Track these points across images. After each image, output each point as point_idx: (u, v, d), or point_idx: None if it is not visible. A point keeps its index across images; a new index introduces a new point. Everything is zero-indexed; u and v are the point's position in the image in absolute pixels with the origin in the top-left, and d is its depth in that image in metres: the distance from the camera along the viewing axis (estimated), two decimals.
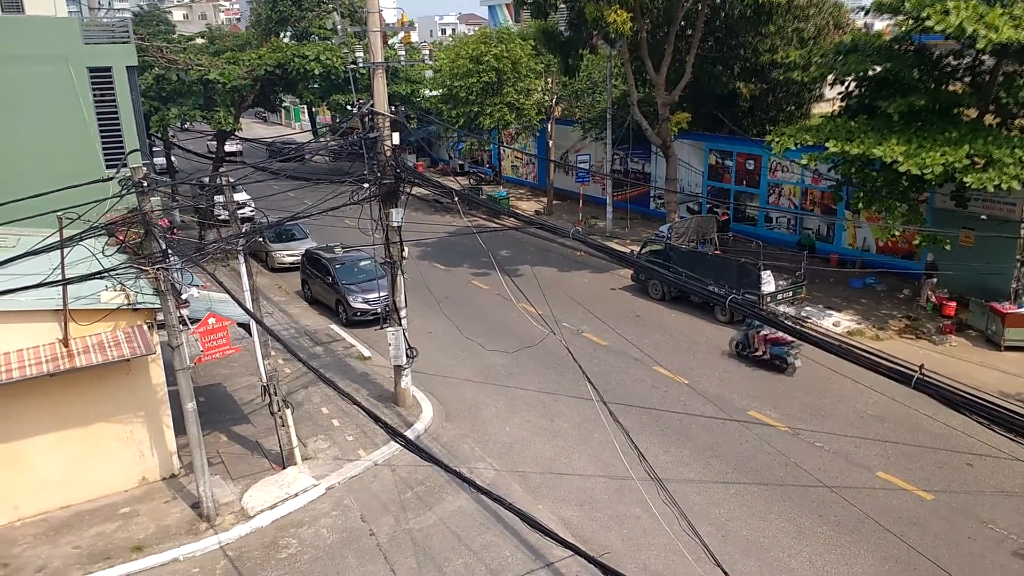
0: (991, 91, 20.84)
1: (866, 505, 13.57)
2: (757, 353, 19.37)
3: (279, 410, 14.91)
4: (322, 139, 42.27)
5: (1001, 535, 12.75)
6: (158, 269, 12.55)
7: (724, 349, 20.30)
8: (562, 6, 27.65)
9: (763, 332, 19.20)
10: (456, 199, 14.22)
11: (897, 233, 21.42)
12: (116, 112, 18.35)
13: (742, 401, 17.58)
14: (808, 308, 22.86)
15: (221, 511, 13.81)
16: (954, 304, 21.70)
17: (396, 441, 13.41)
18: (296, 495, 14.34)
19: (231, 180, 15.72)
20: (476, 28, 63.24)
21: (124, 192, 12.45)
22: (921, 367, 6.86)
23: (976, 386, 7.25)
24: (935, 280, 22.31)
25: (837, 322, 21.82)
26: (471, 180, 44.00)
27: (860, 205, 21.29)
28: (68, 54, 17.61)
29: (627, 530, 13.23)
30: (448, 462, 12.76)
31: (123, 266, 12.96)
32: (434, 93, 40.30)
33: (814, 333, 7.83)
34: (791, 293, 22.41)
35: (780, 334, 18.82)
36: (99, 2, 31.32)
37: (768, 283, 21.60)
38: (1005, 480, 14.27)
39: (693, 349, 20.60)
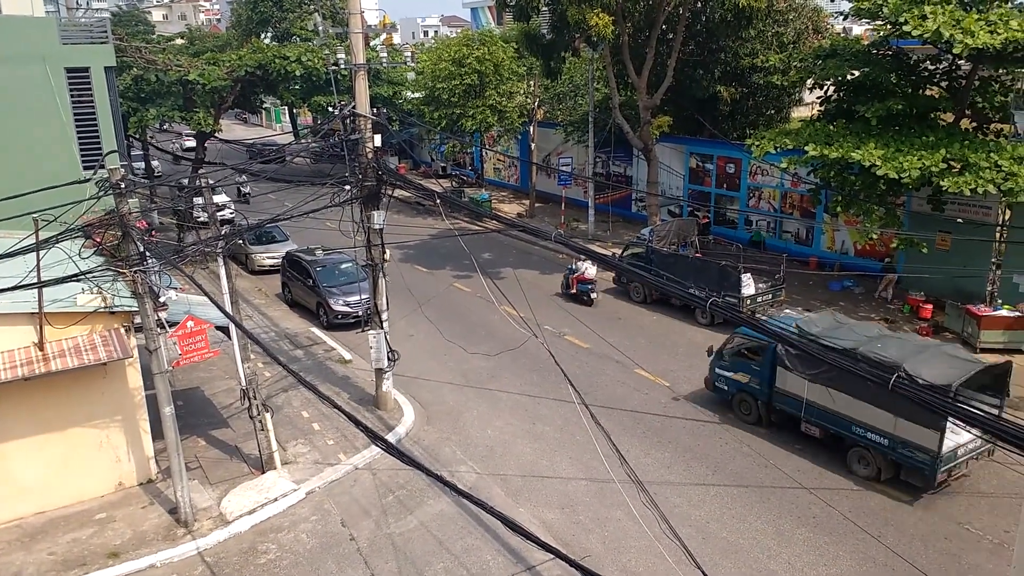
0: (967, 96, 21.15)
1: (844, 507, 13.68)
2: (571, 291, 24.12)
3: (258, 414, 14.78)
4: (303, 140, 42.09)
5: (976, 535, 12.90)
6: (135, 272, 12.40)
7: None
8: (544, 9, 27.71)
9: (574, 274, 23.99)
10: (438, 201, 14.18)
11: (875, 236, 21.63)
12: (94, 113, 18.13)
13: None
14: (787, 311, 23.01)
15: (199, 516, 13.66)
16: (931, 307, 21.97)
17: (377, 445, 13.37)
18: (275, 500, 14.23)
19: (210, 181, 15.59)
20: (458, 30, 63.23)
21: (101, 194, 12.30)
22: (901, 370, 6.94)
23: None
24: (894, 276, 22.59)
25: None
26: (453, 182, 43.95)
27: (839, 208, 21.51)
28: (45, 54, 17.38)
29: (608, 533, 13.25)
30: (429, 466, 12.74)
31: (100, 269, 12.79)
32: (416, 95, 40.23)
33: (794, 337, 7.90)
34: (771, 296, 22.56)
35: (586, 275, 23.86)
36: (77, 2, 31.00)
37: (748, 286, 21.73)
38: (980, 481, 14.44)
39: (674, 351, 20.68)
